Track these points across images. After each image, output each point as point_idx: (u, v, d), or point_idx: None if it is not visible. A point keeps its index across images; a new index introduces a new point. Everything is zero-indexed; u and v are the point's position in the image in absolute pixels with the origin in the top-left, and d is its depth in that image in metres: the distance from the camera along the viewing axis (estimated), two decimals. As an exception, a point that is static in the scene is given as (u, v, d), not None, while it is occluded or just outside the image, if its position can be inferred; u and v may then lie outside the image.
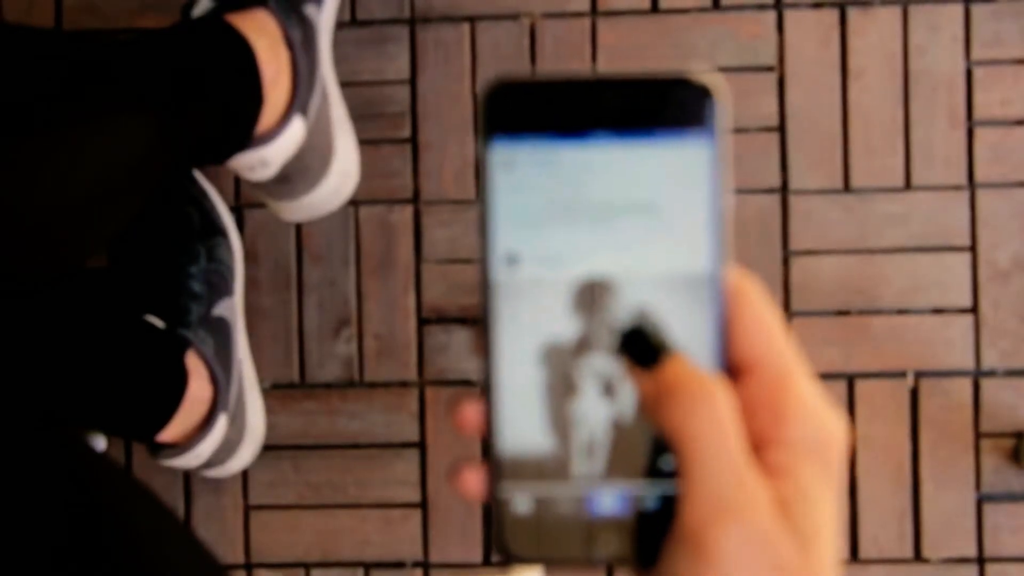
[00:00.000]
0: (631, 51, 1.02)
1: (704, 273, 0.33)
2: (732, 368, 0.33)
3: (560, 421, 0.33)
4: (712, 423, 0.31)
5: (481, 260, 0.33)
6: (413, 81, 1.03)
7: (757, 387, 0.32)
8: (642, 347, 0.32)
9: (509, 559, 0.33)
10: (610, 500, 0.33)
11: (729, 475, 0.30)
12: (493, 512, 0.33)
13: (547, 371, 0.33)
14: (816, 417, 0.32)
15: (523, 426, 0.33)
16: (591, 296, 0.33)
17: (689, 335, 0.33)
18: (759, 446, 0.32)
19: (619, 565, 0.33)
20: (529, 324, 0.33)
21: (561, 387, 0.33)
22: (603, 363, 0.33)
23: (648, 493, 0.33)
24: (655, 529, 0.33)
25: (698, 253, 0.33)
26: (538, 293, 0.33)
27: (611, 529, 0.33)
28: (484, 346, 0.33)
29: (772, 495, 0.31)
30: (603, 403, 0.33)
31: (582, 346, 0.33)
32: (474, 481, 0.34)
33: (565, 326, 0.33)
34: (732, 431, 0.31)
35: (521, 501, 0.33)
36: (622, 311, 0.33)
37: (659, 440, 0.33)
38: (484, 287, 0.33)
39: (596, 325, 0.33)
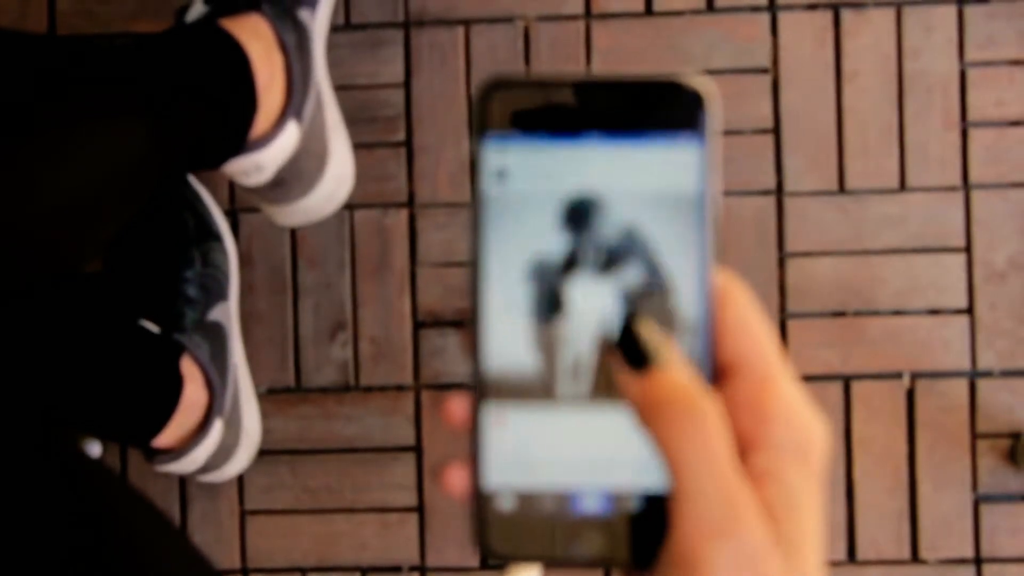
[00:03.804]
0: (625, 54, 1.02)
1: (695, 270, 0.33)
2: (717, 369, 0.33)
3: (546, 340, 0.33)
4: (702, 442, 0.31)
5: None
6: (408, 84, 1.03)
7: (741, 388, 0.32)
8: (636, 348, 0.32)
9: (489, 556, 0.33)
10: (593, 499, 0.33)
11: (720, 494, 0.30)
12: (475, 507, 0.33)
13: (534, 289, 0.33)
14: (798, 419, 0.32)
15: (508, 344, 0.33)
16: (580, 213, 0.33)
17: (679, 266, 0.33)
18: (743, 448, 0.32)
19: (600, 565, 0.33)
20: (517, 240, 0.33)
21: (547, 306, 0.33)
22: (590, 282, 0.33)
23: (632, 493, 0.33)
24: (640, 529, 0.33)
25: (688, 258, 0.33)
26: (527, 208, 0.33)
27: (593, 528, 0.33)
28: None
29: (760, 505, 0.31)
30: (589, 323, 0.33)
31: (570, 264, 0.33)
32: (460, 479, 0.34)
33: (553, 243, 0.33)
34: (722, 449, 0.31)
35: (504, 498, 0.33)
36: (611, 230, 0.33)
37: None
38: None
39: (584, 243, 0.33)
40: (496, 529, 0.33)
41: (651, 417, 0.32)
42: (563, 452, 0.33)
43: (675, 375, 0.32)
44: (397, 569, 1.03)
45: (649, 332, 0.32)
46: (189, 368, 0.92)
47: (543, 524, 0.33)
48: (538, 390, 0.33)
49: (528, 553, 0.33)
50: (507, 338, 0.33)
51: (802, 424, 0.32)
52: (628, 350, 0.32)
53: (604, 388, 0.33)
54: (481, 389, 0.33)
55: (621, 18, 1.02)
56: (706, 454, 0.31)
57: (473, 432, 0.34)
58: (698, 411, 0.31)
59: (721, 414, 0.32)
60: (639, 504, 0.33)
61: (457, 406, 0.34)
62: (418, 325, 1.03)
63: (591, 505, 0.33)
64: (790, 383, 0.33)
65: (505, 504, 0.33)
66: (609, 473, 0.33)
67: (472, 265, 0.33)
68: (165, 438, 0.90)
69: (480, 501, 0.33)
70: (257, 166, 0.83)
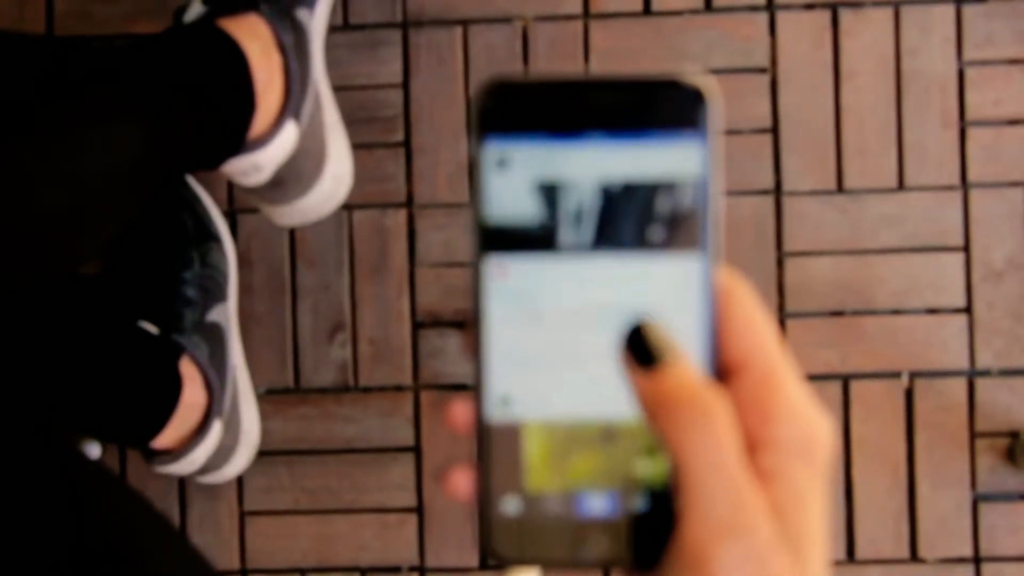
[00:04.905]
0: (624, 54, 1.02)
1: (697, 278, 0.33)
2: (721, 368, 0.33)
3: (547, 188, 0.33)
4: (711, 441, 0.31)
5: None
6: (406, 85, 1.03)
7: (745, 387, 0.32)
8: (644, 346, 0.32)
9: (495, 559, 0.33)
10: (599, 501, 0.33)
11: (729, 494, 0.30)
12: (481, 511, 0.33)
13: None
14: (804, 417, 0.32)
15: (510, 193, 0.33)
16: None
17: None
18: (748, 447, 0.32)
19: (605, 566, 0.33)
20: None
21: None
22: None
23: (636, 494, 0.33)
24: (645, 530, 0.33)
25: (691, 256, 0.33)
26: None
27: (599, 530, 0.33)
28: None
29: (769, 505, 0.31)
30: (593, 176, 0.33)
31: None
32: (463, 483, 0.34)
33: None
34: (731, 449, 0.31)
35: (509, 501, 0.33)
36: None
37: (649, 211, 0.33)
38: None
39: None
40: (501, 533, 0.33)
41: (660, 415, 0.31)
42: (565, 302, 0.33)
43: (683, 372, 0.32)
44: (396, 569, 1.03)
45: (658, 331, 0.32)
46: (188, 369, 0.92)
47: (548, 527, 0.33)
48: (540, 240, 0.33)
49: (533, 556, 0.33)
50: (508, 188, 0.33)
51: (807, 423, 0.32)
52: (637, 348, 0.32)
53: (607, 237, 0.33)
54: (482, 240, 0.33)
55: (619, 18, 1.02)
56: (715, 453, 0.31)
57: (478, 435, 0.33)
58: (707, 410, 0.31)
59: (730, 412, 0.32)
60: (644, 504, 0.33)
61: (459, 410, 0.34)
62: (417, 325, 1.03)
63: (597, 507, 0.33)
64: (795, 382, 0.33)
65: (510, 508, 0.33)
66: (609, 323, 0.33)
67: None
68: (164, 439, 0.90)
69: (485, 505, 0.33)
70: (255, 166, 0.83)
